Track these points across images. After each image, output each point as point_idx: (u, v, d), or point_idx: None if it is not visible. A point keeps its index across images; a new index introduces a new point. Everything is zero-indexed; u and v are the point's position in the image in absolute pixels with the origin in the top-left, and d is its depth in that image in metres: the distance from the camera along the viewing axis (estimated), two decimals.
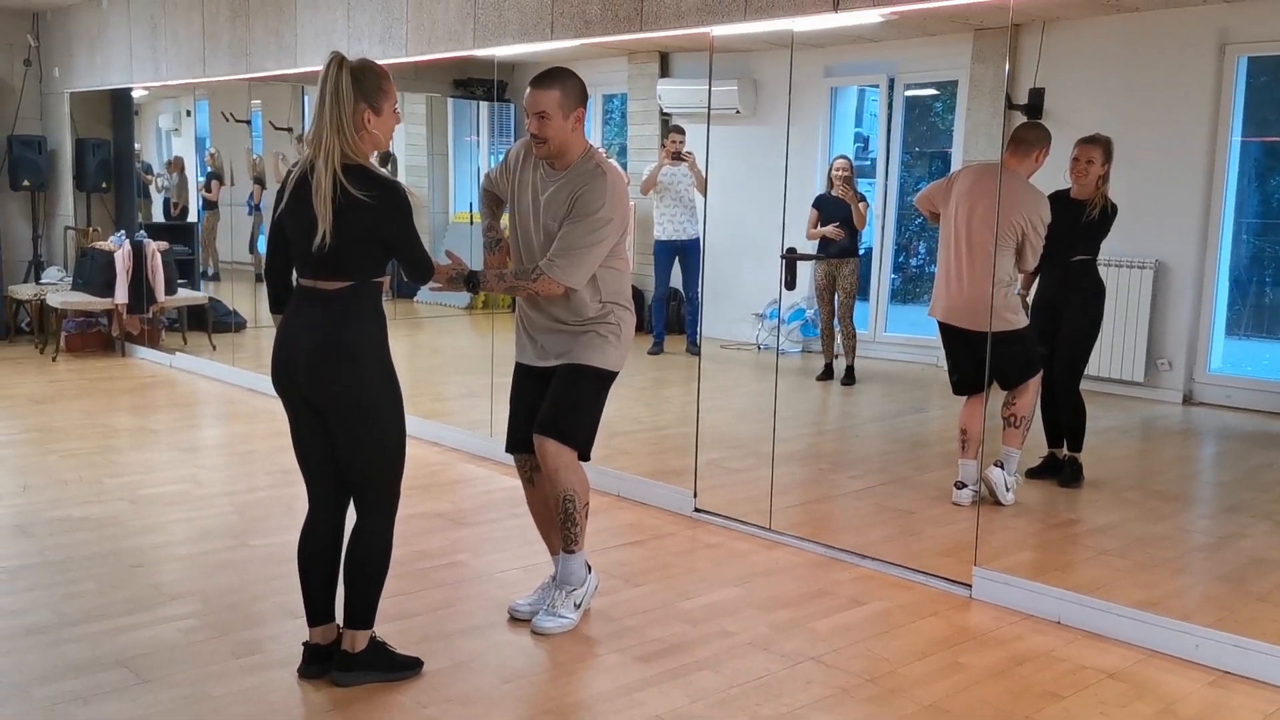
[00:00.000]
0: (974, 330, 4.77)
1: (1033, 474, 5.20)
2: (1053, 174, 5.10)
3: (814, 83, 8.29)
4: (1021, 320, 4.89)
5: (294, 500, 5.08)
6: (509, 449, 3.71)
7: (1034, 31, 7.22)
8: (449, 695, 3.11)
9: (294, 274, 3.10)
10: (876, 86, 8.72)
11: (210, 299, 9.46)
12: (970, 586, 3.97)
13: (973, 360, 4.83)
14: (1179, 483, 4.84)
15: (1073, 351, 5.17)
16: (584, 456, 3.57)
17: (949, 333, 5.03)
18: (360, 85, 2.90)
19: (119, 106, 9.81)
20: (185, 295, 9.26)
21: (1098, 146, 5.08)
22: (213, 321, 9.19)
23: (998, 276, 4.67)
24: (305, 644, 3.20)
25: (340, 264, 2.95)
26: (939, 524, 4.78)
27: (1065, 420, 5.20)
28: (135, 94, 9.58)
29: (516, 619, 3.64)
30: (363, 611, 3.10)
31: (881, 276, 8.45)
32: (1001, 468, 4.91)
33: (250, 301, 9.82)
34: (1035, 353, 4.98)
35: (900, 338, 8.53)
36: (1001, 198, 4.58)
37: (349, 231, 2.90)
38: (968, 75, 7.82)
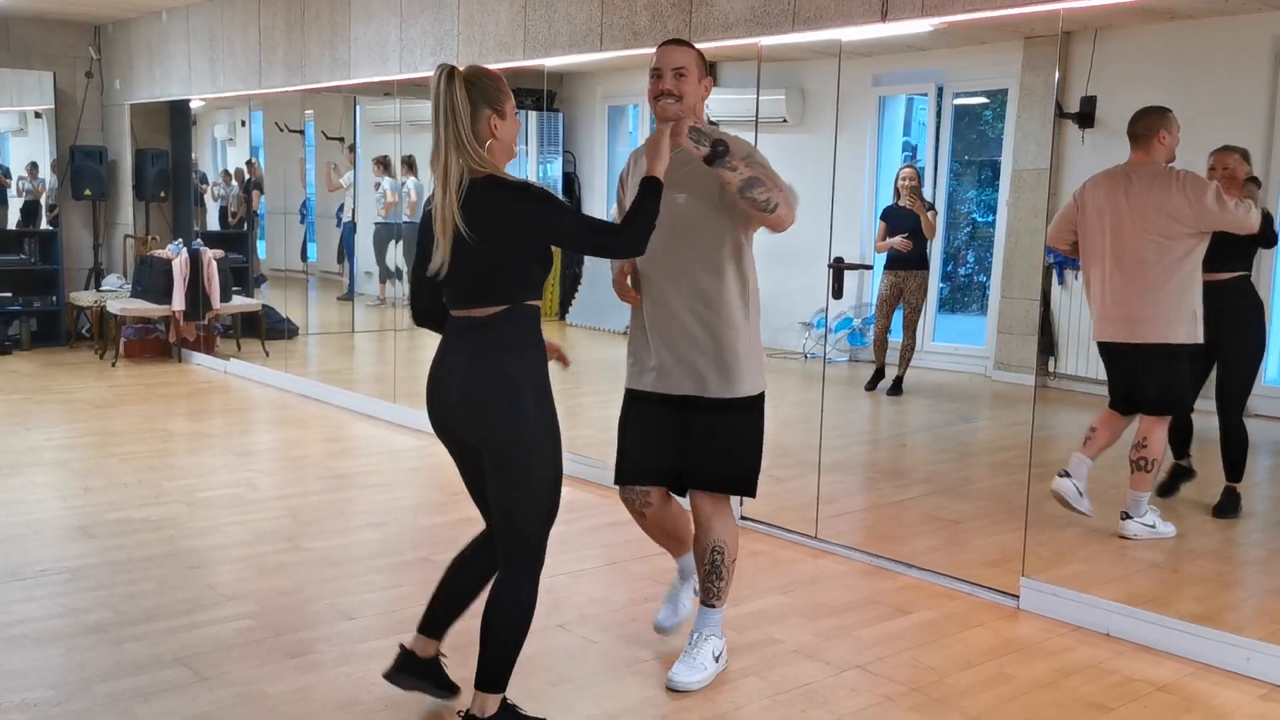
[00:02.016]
0: (1125, 343, 4.51)
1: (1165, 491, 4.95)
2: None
3: (862, 91, 8.28)
4: (1183, 335, 4.41)
5: (346, 504, 5.18)
6: (621, 479, 3.38)
7: (1086, 39, 7.16)
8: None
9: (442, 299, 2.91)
10: (925, 95, 8.69)
11: (264, 306, 9.62)
12: (1018, 597, 3.96)
13: (1126, 376, 4.60)
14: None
15: (1237, 374, 4.80)
16: (751, 493, 3.33)
17: (1107, 353, 4.70)
18: (480, 91, 2.72)
19: (177, 117, 10.02)
20: (240, 302, 9.44)
21: (1233, 154, 4.76)
22: (266, 328, 9.35)
23: (1165, 282, 4.36)
24: (401, 645, 3.09)
25: (484, 287, 2.74)
26: (986, 534, 4.76)
27: (1228, 448, 4.81)
28: (192, 105, 9.78)
29: (664, 634, 3.54)
30: (495, 674, 2.84)
31: (931, 286, 8.42)
32: (1129, 518, 4.53)
33: (301, 309, 9.98)
34: (1189, 382, 4.57)
35: (949, 347, 8.49)
36: (1149, 195, 4.36)
37: (488, 246, 2.69)
38: (1018, 83, 7.77)
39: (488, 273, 2.73)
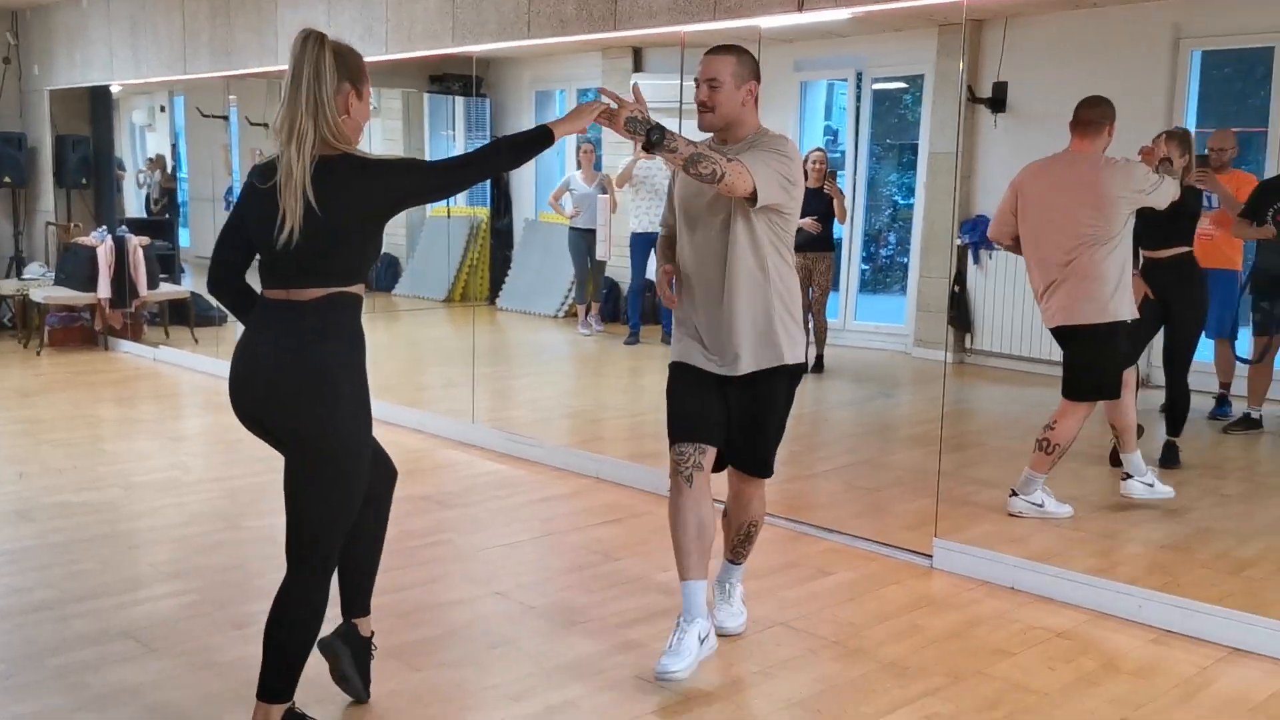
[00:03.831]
0: (1067, 325, 4.57)
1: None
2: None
3: (784, 77, 8.50)
4: (1108, 315, 4.49)
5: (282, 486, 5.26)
6: (679, 437, 3.27)
7: (997, 27, 7.45)
8: (440, 660, 3.31)
9: (249, 279, 2.78)
10: (845, 80, 8.94)
11: (192, 293, 9.58)
12: (931, 557, 4.20)
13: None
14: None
15: (1183, 341, 5.18)
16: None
17: (1058, 337, 4.71)
18: (345, 64, 2.60)
19: (98, 103, 9.91)
20: (167, 290, 9.39)
21: (1174, 140, 5.04)
22: (195, 315, 9.31)
23: (1100, 271, 4.47)
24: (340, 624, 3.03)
25: (317, 265, 2.58)
26: (903, 501, 5.00)
27: (1173, 406, 5.21)
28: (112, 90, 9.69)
29: (670, 681, 3.15)
30: (280, 684, 2.67)
31: (851, 267, 8.68)
32: (1016, 495, 4.68)
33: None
34: (1117, 367, 4.61)
35: (869, 326, 8.78)
36: (1087, 185, 4.47)
37: (333, 221, 2.54)
38: (933, 69, 8.04)
39: (324, 251, 2.57)
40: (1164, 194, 4.57)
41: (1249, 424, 5.89)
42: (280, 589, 2.69)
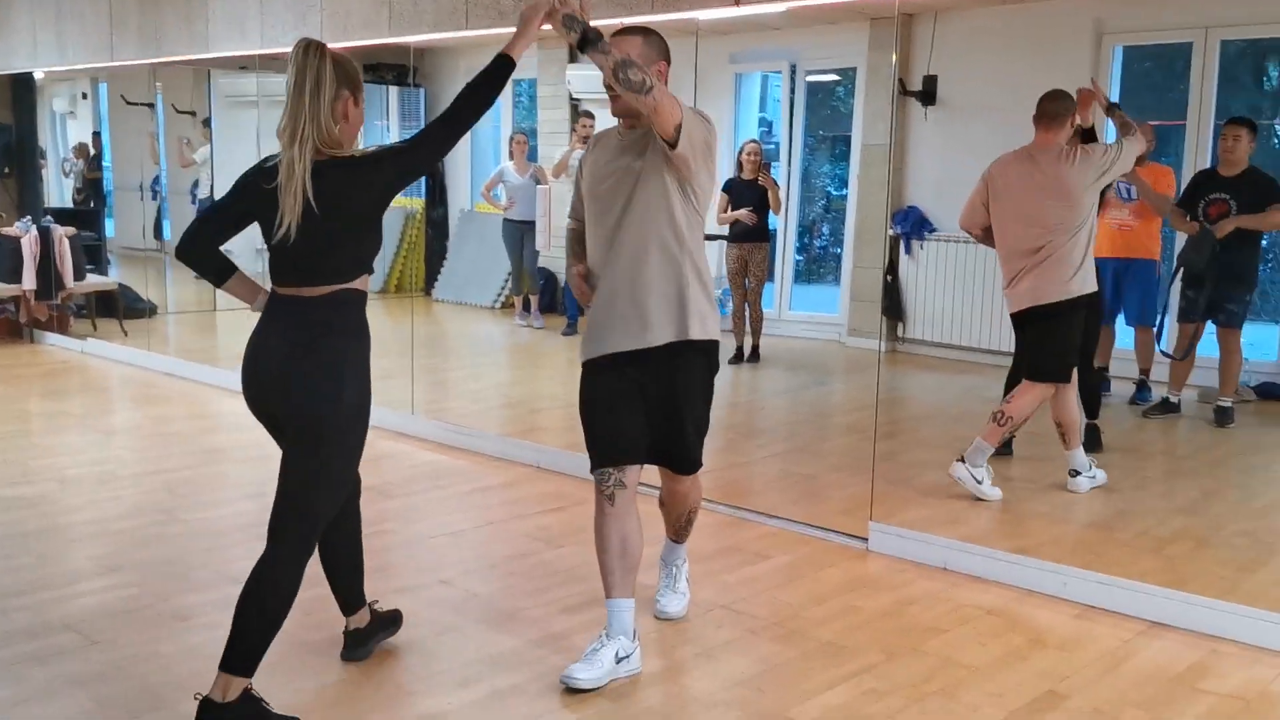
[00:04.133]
0: (1033, 306, 4.73)
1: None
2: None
3: (720, 69, 8.59)
4: (1069, 293, 4.68)
5: (220, 478, 5.24)
6: (599, 462, 3.21)
7: (927, 21, 7.60)
8: (386, 646, 3.33)
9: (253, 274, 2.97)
10: (779, 73, 9.05)
11: (120, 285, 9.42)
12: (866, 540, 4.32)
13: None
14: (1049, 443, 5.23)
15: (1091, 331, 5.21)
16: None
17: (1018, 321, 4.87)
18: (343, 72, 2.77)
19: (20, 90, 9.69)
20: (95, 281, 9.22)
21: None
22: (124, 307, 9.16)
23: (1069, 256, 4.64)
24: (344, 631, 3.26)
25: (321, 264, 2.76)
26: (839, 487, 5.11)
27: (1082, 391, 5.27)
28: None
29: (577, 691, 3.10)
30: (245, 658, 2.73)
31: (786, 257, 8.81)
32: (963, 462, 4.76)
33: (159, 287, 9.80)
34: (1074, 345, 4.80)
35: (804, 315, 8.92)
36: (1052, 178, 4.61)
37: (330, 221, 2.70)
38: (865, 62, 8.19)
39: (322, 250, 2.74)
40: (1128, 158, 4.72)
41: (1167, 408, 6.11)
42: (257, 565, 2.80)
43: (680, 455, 3.31)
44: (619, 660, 3.15)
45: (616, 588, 3.21)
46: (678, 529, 3.65)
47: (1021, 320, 4.83)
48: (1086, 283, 4.72)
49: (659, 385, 3.20)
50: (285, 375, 2.75)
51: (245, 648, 2.74)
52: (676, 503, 3.54)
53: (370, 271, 2.88)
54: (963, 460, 4.76)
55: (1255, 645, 3.48)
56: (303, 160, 2.68)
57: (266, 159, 2.83)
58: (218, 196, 9.42)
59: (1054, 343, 4.74)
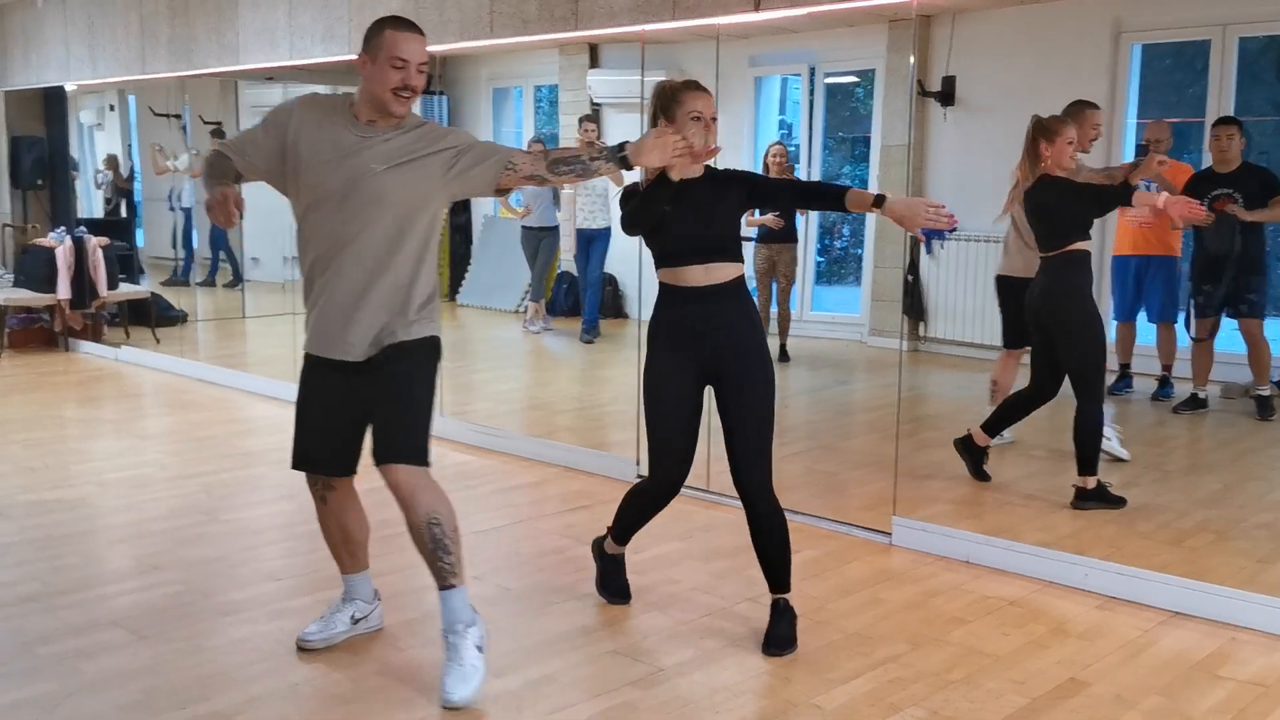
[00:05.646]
0: (1023, 276, 5.04)
1: None
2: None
3: (739, 72, 8.66)
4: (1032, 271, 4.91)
5: (257, 479, 5.36)
6: (297, 466, 3.26)
7: (945, 22, 7.66)
8: (424, 640, 3.43)
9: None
10: (798, 75, 9.12)
11: (152, 293, 9.58)
12: (890, 534, 4.39)
13: (1017, 311, 5.17)
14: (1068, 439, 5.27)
15: None
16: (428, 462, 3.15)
17: (1004, 286, 5.44)
18: None
19: (53, 103, 9.87)
20: (127, 290, 9.38)
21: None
22: (156, 315, 9.32)
23: None
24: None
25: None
26: (862, 483, 5.18)
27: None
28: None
29: (307, 649, 3.30)
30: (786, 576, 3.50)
31: (807, 259, 8.87)
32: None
33: (189, 296, 9.96)
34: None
35: (826, 316, 8.98)
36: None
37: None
38: (884, 64, 8.25)
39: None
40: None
41: (1196, 404, 6.16)
42: (765, 513, 3.50)
43: (384, 444, 3.15)
44: (355, 621, 3.41)
45: (346, 565, 3.43)
46: (431, 559, 3.06)
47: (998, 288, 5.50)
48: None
49: (372, 378, 3.23)
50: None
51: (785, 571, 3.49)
52: (400, 502, 3.11)
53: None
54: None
55: (1275, 633, 3.54)
56: None
57: None
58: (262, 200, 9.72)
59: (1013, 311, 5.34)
